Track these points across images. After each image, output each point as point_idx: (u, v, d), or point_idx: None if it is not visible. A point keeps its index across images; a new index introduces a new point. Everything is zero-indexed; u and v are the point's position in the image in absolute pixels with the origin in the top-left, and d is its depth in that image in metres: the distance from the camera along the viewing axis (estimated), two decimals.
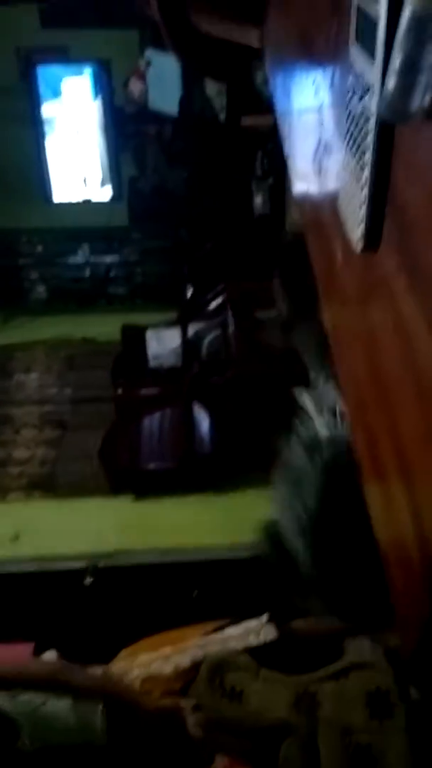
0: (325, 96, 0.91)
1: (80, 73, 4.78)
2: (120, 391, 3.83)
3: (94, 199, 4.93)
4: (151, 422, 3.70)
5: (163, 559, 3.38)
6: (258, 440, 3.54)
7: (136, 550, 3.35)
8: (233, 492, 3.58)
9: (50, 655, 1.79)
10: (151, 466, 3.64)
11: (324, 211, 1.01)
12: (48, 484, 3.69)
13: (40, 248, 4.64)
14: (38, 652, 2.04)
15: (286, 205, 4.58)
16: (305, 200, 1.21)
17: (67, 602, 3.15)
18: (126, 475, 3.65)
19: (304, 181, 1.20)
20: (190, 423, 3.61)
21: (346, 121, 0.71)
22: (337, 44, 0.79)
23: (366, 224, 0.61)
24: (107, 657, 1.90)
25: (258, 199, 4.66)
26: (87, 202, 4.92)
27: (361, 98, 0.60)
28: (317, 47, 0.95)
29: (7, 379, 4.23)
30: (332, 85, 0.86)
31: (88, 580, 3.13)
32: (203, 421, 3.59)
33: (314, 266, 1.18)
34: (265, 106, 4.39)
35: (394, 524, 0.68)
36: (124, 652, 1.85)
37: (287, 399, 3.51)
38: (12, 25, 5.02)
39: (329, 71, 0.87)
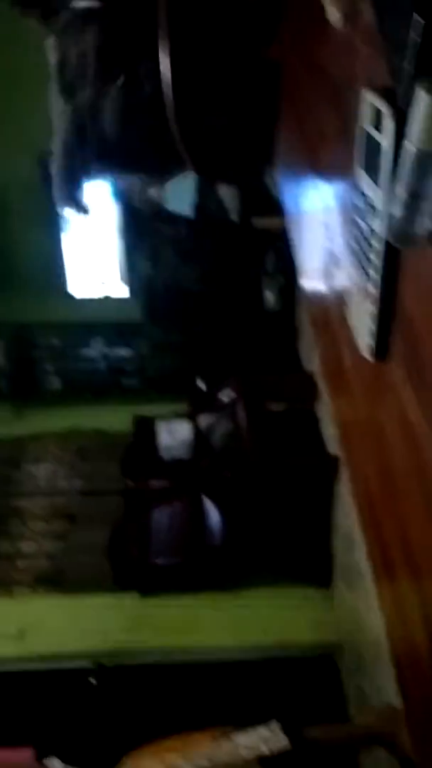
0: (332, 211, 0.96)
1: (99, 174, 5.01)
2: (130, 483, 3.82)
3: (111, 295, 5.07)
4: (160, 516, 3.68)
5: (170, 659, 3.29)
6: (268, 536, 3.52)
7: (143, 649, 3.27)
8: (242, 591, 3.52)
9: (52, 764, 1.73)
10: (159, 561, 3.59)
11: (332, 314, 1.05)
12: (55, 579, 3.63)
13: (56, 341, 4.73)
14: (40, 757, 1.97)
15: (296, 301, 4.69)
16: (314, 301, 1.26)
17: (71, 703, 3.06)
18: (133, 570, 3.59)
19: (313, 285, 1.25)
20: (200, 517, 3.58)
21: (353, 238, 0.75)
22: (344, 165, 0.85)
23: (374, 336, 0.64)
24: (111, 764, 1.83)
25: (269, 296, 4.78)
26: (103, 298, 5.07)
27: (367, 218, 0.64)
28: (325, 165, 1.01)
29: (17, 471, 4.23)
30: (339, 202, 0.91)
31: (93, 680, 3.04)
32: (213, 515, 3.56)
33: (321, 361, 1.21)
34: (277, 208, 4.59)
35: (404, 625, 0.67)
36: (127, 760, 1.78)
37: (299, 493, 3.49)
38: (36, 130, 5.31)
39: (336, 189, 0.93)
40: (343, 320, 0.91)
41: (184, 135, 1.61)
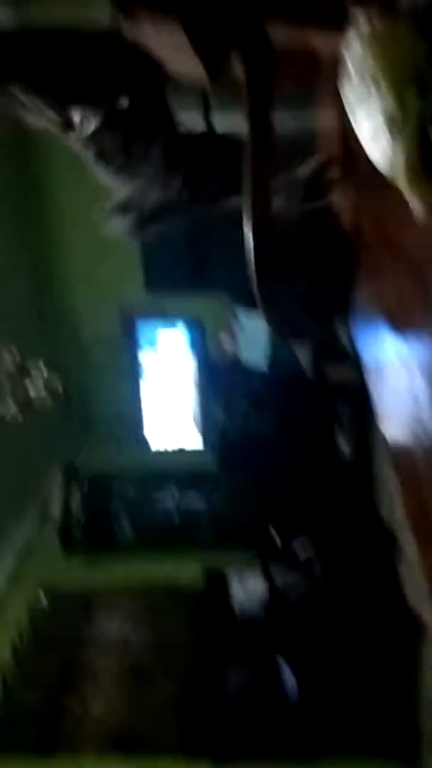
0: (419, 383, 0.98)
1: (176, 329, 5.25)
2: (201, 640, 3.68)
3: (186, 446, 5.15)
4: (233, 677, 3.50)
5: None
6: (348, 704, 3.29)
7: None
8: (320, 762, 3.25)
9: None
10: (232, 725, 3.38)
11: (420, 469, 1.03)
12: (122, 742, 3.45)
13: (131, 491, 4.78)
14: None
15: (372, 453, 4.64)
16: (398, 456, 1.25)
17: None
18: (205, 735, 3.39)
19: (396, 438, 1.24)
20: (275, 680, 3.39)
21: None
22: (426, 330, 0.87)
23: None
24: None
25: (344, 447, 4.75)
26: (179, 448, 5.15)
27: None
28: (408, 333, 1.03)
29: (88, 624, 4.15)
30: (426, 369, 0.92)
31: None
32: (289, 679, 3.37)
33: (408, 518, 1.17)
34: (350, 359, 4.67)
35: None
36: None
37: (382, 658, 3.30)
38: (117, 286, 5.67)
39: (423, 362, 0.94)
40: None
41: (265, 301, 1.69)
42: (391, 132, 0.73)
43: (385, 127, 0.74)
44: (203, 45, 0.89)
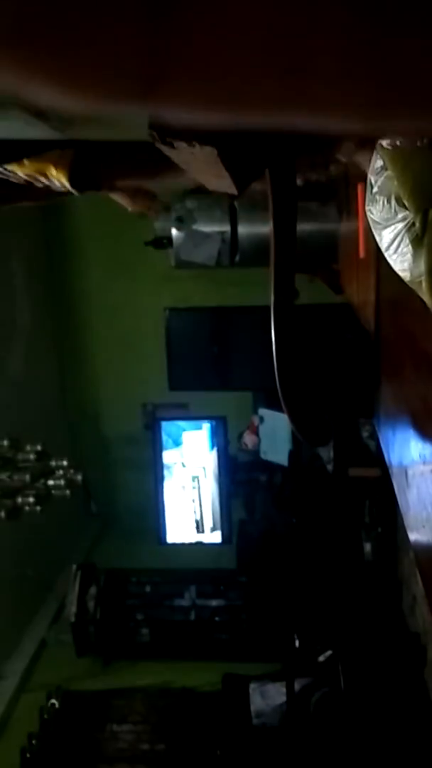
0: None
1: (199, 427, 5.27)
2: (219, 752, 3.51)
3: (205, 541, 5.07)
4: None
5: None
6: None
7: None
8: None
9: None
10: None
11: None
12: None
13: (148, 588, 4.68)
14: None
15: (396, 553, 4.53)
16: (427, 566, 1.22)
17: None
18: None
19: (426, 550, 1.22)
20: None
21: None
22: None
23: None
24: None
25: (367, 547, 4.65)
26: (198, 544, 5.07)
27: None
28: (431, 429, 1.04)
29: (100, 730, 3.98)
30: None
31: None
32: None
33: None
34: (372, 458, 4.65)
35: None
36: None
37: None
38: (141, 384, 5.75)
39: None
40: None
41: (288, 398, 1.71)
42: (414, 246, 0.77)
43: (408, 242, 0.77)
44: (237, 170, 0.95)
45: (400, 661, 3.73)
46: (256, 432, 4.98)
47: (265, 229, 1.42)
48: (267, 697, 3.68)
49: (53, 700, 4.17)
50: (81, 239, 5.68)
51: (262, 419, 4.85)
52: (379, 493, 4.51)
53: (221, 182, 0.95)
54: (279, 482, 4.92)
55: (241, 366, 4.34)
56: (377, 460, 4.42)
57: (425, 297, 0.79)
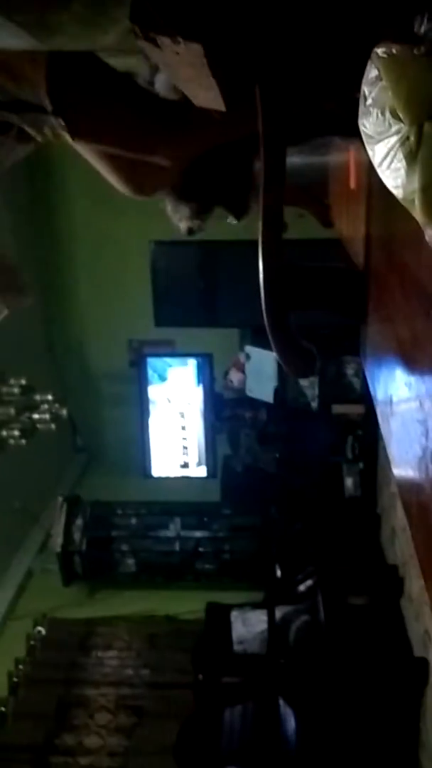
0: (430, 409, 0.97)
1: (185, 363, 5.26)
2: (200, 677, 3.62)
3: (190, 475, 5.13)
4: (232, 716, 3.43)
5: None
6: (347, 746, 3.21)
7: None
8: None
9: None
10: (229, 767, 3.30)
11: None
12: None
13: (133, 520, 4.75)
14: None
15: (376, 488, 4.61)
16: (410, 496, 1.23)
17: None
18: None
19: (408, 479, 1.23)
20: (274, 721, 3.32)
21: None
22: None
23: None
24: None
25: (349, 482, 4.72)
26: (183, 478, 5.13)
27: None
28: (420, 367, 1.03)
29: (86, 656, 4.09)
30: None
31: None
32: (288, 719, 3.30)
33: (419, 554, 1.16)
34: (356, 396, 4.68)
35: None
36: None
37: (382, 699, 3.24)
38: (127, 320, 5.70)
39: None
40: None
41: (275, 332, 1.69)
42: (408, 161, 0.74)
43: (402, 156, 0.75)
44: (225, 78, 0.91)
45: (378, 591, 3.83)
46: (242, 369, 4.98)
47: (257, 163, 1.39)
48: (248, 624, 3.78)
49: (39, 628, 4.27)
50: (64, 170, 5.54)
51: (248, 357, 4.84)
52: (362, 430, 4.56)
53: (208, 95, 0.91)
54: (264, 419, 4.95)
55: (228, 302, 4.31)
56: (361, 397, 4.46)
57: (418, 216, 0.77)
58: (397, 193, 0.77)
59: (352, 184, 2.08)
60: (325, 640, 3.53)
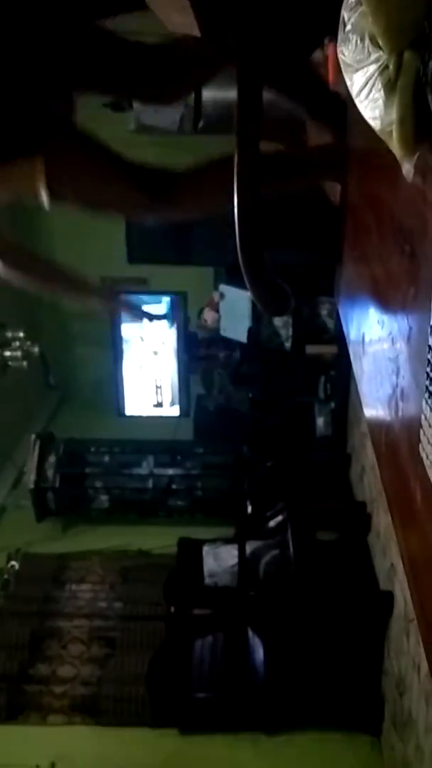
0: (402, 347, 0.98)
1: (159, 301, 5.22)
2: (172, 609, 3.71)
3: (164, 414, 5.15)
4: (202, 647, 3.54)
5: None
6: (314, 675, 3.34)
7: None
8: (285, 733, 3.31)
9: None
10: (200, 695, 3.42)
11: (400, 447, 1.04)
12: (90, 709, 3.48)
13: (107, 458, 4.77)
14: None
15: (347, 427, 4.68)
16: (378, 433, 1.25)
17: None
18: (172, 705, 3.43)
19: (378, 418, 1.25)
20: (243, 651, 3.43)
21: (427, 378, 0.76)
22: (414, 307, 0.87)
23: None
24: None
25: (320, 421, 4.78)
26: (156, 417, 5.15)
27: None
28: (393, 305, 1.03)
29: (59, 589, 4.16)
30: (409, 338, 0.92)
31: None
32: (257, 650, 3.41)
33: (387, 491, 1.19)
34: (329, 336, 4.70)
35: None
36: None
37: (348, 630, 3.35)
38: (99, 258, 5.61)
39: (406, 326, 0.94)
40: (413, 458, 0.90)
41: (249, 269, 1.68)
42: (386, 91, 0.73)
43: (380, 86, 0.73)
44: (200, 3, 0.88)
45: (347, 526, 3.93)
46: (216, 309, 4.95)
47: (232, 94, 1.35)
48: (219, 558, 3.86)
49: (13, 562, 4.32)
50: None
51: (222, 296, 4.81)
52: (335, 370, 4.59)
53: (184, 18, 0.87)
54: (237, 359, 4.96)
55: (202, 240, 4.25)
56: (335, 338, 4.47)
57: (395, 149, 0.76)
58: (375, 124, 0.76)
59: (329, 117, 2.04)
60: (294, 574, 3.62)
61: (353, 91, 0.77)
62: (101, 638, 3.84)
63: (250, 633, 3.45)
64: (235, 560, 3.82)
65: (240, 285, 1.73)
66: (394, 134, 0.73)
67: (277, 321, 4.69)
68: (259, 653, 3.39)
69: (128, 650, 3.72)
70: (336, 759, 3.26)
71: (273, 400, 4.86)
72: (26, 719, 3.48)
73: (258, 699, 3.33)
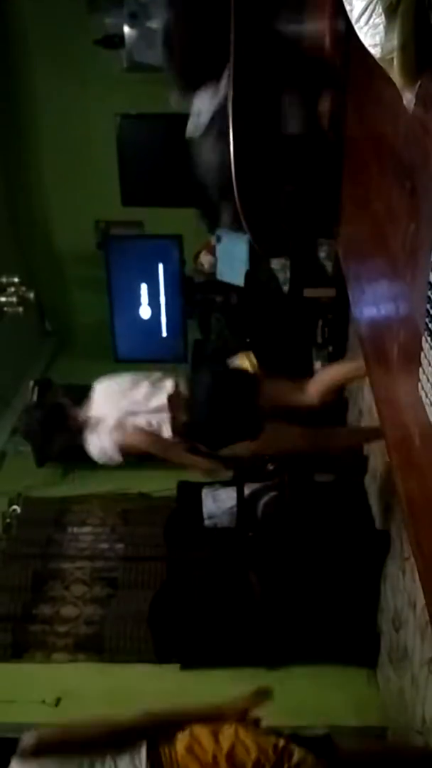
0: (401, 286, 0.96)
1: (154, 244, 5.16)
2: (172, 550, 3.77)
3: (161, 359, 5.14)
4: (202, 586, 3.61)
5: None
6: (312, 612, 3.42)
7: None
8: (283, 668, 3.40)
9: None
10: (200, 633, 3.50)
11: (400, 388, 1.03)
12: (94, 646, 3.57)
13: None
14: None
15: None
16: (378, 375, 1.25)
17: None
18: (174, 641, 3.51)
19: (377, 359, 1.24)
20: (242, 590, 3.50)
21: (427, 316, 0.75)
22: (415, 244, 0.85)
23: None
24: None
25: (318, 365, 4.77)
26: (153, 361, 5.13)
27: None
28: (393, 243, 1.01)
29: (61, 532, 4.22)
30: (409, 276, 0.91)
31: None
32: (255, 588, 3.48)
33: (385, 432, 1.19)
34: (328, 279, 4.65)
35: None
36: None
37: (346, 568, 3.40)
38: (93, 200, 5.52)
39: (406, 267, 0.93)
40: (411, 393, 0.90)
41: (245, 208, 1.65)
42: (388, 15, 0.70)
43: (381, 11, 0.70)
44: None
45: (344, 468, 3.97)
46: (212, 252, 4.89)
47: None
48: (218, 500, 3.91)
49: (15, 506, 4.37)
50: (25, 39, 5.18)
51: (219, 238, 4.74)
52: (333, 313, 4.56)
53: None
54: (234, 303, 4.92)
55: (198, 176, 4.16)
56: (333, 280, 4.43)
57: (396, 77, 0.73)
58: (375, 52, 0.73)
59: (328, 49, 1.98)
60: (291, 514, 3.67)
61: (353, 17, 0.73)
62: (103, 579, 3.91)
63: (249, 572, 3.51)
64: (234, 502, 3.87)
65: (238, 227, 1.71)
66: (395, 62, 0.71)
67: (275, 264, 4.63)
68: (257, 591, 3.46)
69: (130, 590, 3.80)
70: (334, 691, 3.35)
71: (270, 344, 4.85)
72: (31, 657, 3.57)
73: (257, 635, 3.42)
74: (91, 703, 3.21)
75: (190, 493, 4.04)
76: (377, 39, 0.71)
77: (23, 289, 4.19)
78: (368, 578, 3.43)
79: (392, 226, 1.03)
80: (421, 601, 2.73)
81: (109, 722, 1.99)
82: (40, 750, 1.82)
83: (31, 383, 4.82)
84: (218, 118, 1.67)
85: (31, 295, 4.21)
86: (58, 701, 3.29)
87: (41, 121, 5.44)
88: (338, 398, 4.62)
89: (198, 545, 3.79)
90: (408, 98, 0.75)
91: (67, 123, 5.39)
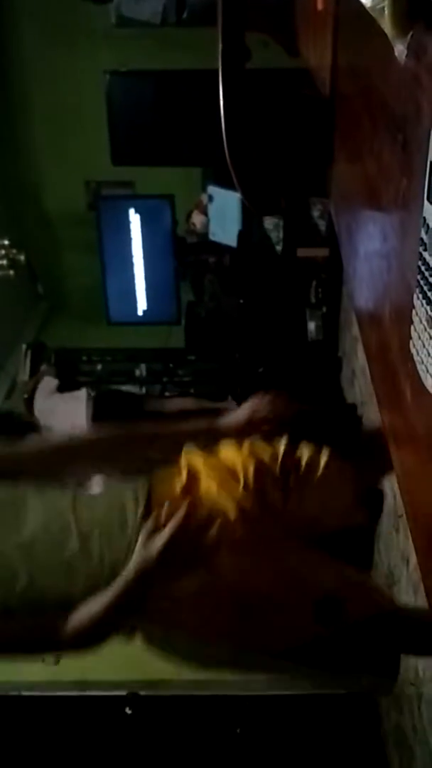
0: (393, 243, 0.96)
1: (145, 204, 5.10)
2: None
3: (153, 322, 5.14)
4: None
5: (206, 692, 3.25)
6: None
7: (179, 680, 3.23)
8: None
9: None
10: None
11: (392, 345, 1.04)
12: None
13: (99, 367, 4.78)
14: None
15: (339, 331, 4.68)
16: (370, 333, 1.25)
17: (105, 730, 3.03)
18: None
19: (369, 316, 1.24)
20: None
21: (418, 272, 0.74)
22: (407, 199, 0.84)
23: None
24: None
25: (311, 326, 4.77)
26: (146, 324, 5.13)
27: None
28: (385, 199, 1.00)
29: None
30: (402, 236, 0.90)
31: (128, 710, 3.02)
32: None
33: (377, 390, 1.19)
34: (321, 238, 4.61)
35: None
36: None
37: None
38: (83, 160, 5.44)
39: (398, 223, 0.92)
40: (404, 354, 0.90)
41: (236, 165, 1.63)
42: None
43: None
44: None
45: (338, 428, 3.99)
46: (204, 212, 4.85)
47: None
48: None
49: None
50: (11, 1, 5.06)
51: (211, 198, 4.70)
52: (326, 273, 4.55)
53: None
54: (227, 264, 4.90)
55: (189, 138, 4.10)
56: (326, 240, 4.40)
57: (387, 27, 0.72)
58: (366, 1, 0.71)
59: (319, 5, 1.94)
60: None
61: None
62: None
63: None
64: None
65: (230, 186, 1.68)
66: (386, 11, 0.69)
67: (268, 224, 4.60)
68: None
69: None
70: None
71: (264, 305, 4.84)
72: None
73: None
74: (91, 661, 3.26)
75: None
76: None
77: (14, 251, 4.16)
78: (361, 535, 3.47)
79: (384, 180, 1.02)
80: (413, 557, 2.77)
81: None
82: None
83: (24, 347, 4.83)
84: None
85: (22, 257, 4.18)
86: (58, 659, 3.34)
87: (29, 80, 5.34)
88: (332, 358, 4.64)
89: None
90: (399, 50, 0.73)
91: (55, 81, 5.29)
